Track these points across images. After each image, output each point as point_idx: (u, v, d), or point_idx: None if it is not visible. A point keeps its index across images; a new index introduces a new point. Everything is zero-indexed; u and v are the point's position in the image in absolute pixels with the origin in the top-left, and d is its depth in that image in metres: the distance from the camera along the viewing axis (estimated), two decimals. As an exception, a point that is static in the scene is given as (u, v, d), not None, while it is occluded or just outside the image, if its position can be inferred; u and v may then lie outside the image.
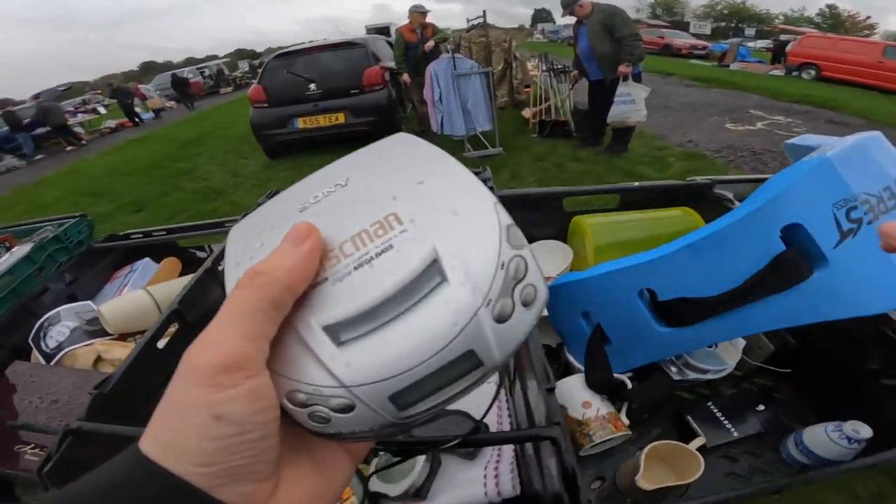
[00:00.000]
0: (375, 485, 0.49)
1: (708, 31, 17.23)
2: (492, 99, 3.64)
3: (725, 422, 0.55)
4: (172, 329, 0.69)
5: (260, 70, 4.55)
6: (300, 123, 4.32)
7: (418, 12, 3.95)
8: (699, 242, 0.36)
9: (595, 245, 0.85)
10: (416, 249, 0.17)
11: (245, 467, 0.15)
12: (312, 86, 4.21)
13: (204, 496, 0.15)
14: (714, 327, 0.34)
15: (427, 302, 0.17)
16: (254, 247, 0.19)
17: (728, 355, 0.57)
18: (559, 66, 4.11)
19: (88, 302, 0.98)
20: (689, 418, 0.56)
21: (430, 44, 3.80)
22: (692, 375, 0.56)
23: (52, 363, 0.84)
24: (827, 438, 0.51)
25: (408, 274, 0.17)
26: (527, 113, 4.78)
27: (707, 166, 3.88)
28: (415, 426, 0.18)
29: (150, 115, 10.80)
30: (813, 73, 9.32)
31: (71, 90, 14.71)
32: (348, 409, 0.16)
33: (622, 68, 3.18)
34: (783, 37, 12.91)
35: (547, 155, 4.09)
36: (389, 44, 4.93)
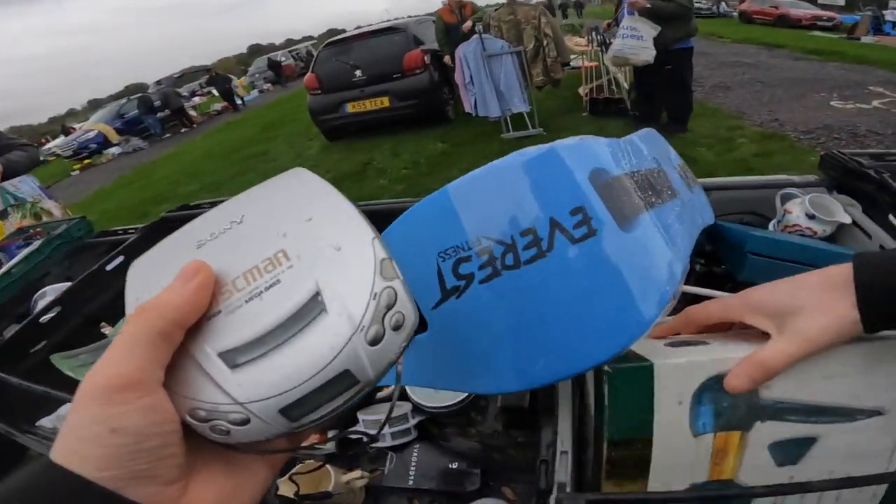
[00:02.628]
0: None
1: (841, 1, 13.98)
2: (527, 79, 3.48)
3: (412, 468, 0.55)
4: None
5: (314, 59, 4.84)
6: (350, 108, 4.56)
7: None
8: None
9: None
10: (300, 284, 0.20)
11: (146, 471, 0.18)
12: (358, 72, 4.39)
13: (111, 494, 0.17)
14: None
15: (309, 330, 0.20)
16: (152, 283, 0.21)
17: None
18: (612, 41, 3.77)
19: (67, 283, 1.24)
20: (391, 453, 0.58)
21: (468, 24, 3.71)
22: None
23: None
24: None
25: (292, 306, 0.20)
26: (582, 90, 4.49)
27: (786, 149, 3.34)
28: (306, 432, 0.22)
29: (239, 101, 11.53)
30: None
31: (184, 77, 16.83)
32: (244, 422, 0.19)
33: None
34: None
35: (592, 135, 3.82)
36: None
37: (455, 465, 0.53)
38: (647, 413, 0.32)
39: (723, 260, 0.62)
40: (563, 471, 0.35)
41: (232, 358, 0.19)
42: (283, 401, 0.19)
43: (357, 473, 0.54)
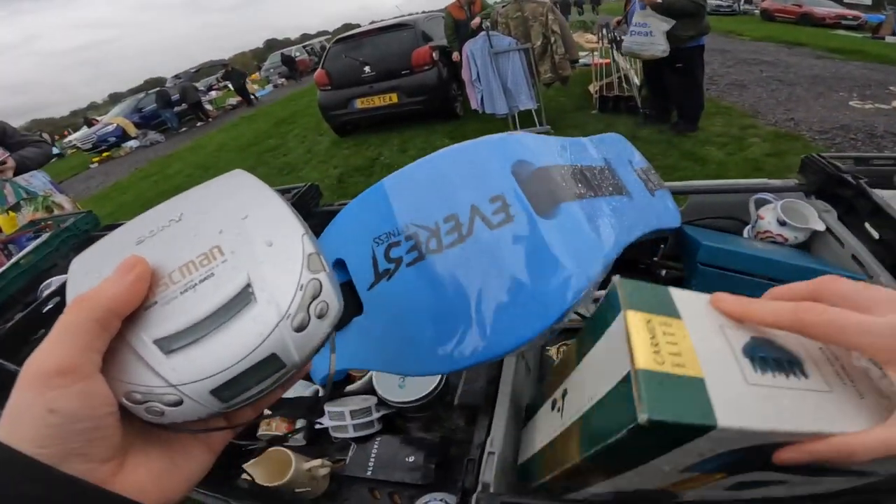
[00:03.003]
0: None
1: (868, 0, 13.42)
2: (534, 76, 3.45)
3: (371, 459, 0.57)
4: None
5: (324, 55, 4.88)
6: (359, 104, 4.60)
7: None
8: None
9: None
10: (233, 277, 0.22)
11: (81, 449, 0.19)
12: (367, 68, 4.43)
13: (48, 467, 0.18)
14: None
15: (238, 318, 0.21)
16: (93, 277, 0.23)
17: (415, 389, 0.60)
18: (622, 38, 3.72)
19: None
20: (354, 444, 0.59)
21: (477, 20, 3.69)
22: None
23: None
24: None
25: (224, 296, 0.22)
26: (592, 88, 4.44)
27: (799, 150, 3.26)
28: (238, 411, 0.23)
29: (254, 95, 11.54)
30: None
31: (200, 71, 17.17)
32: (177, 403, 0.21)
33: None
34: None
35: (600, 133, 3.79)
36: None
37: (412, 459, 0.55)
38: (648, 457, 0.25)
39: (684, 266, 0.63)
40: (489, 471, 0.36)
41: (166, 344, 0.21)
42: (214, 382, 0.21)
43: (318, 462, 0.56)
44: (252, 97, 11.43)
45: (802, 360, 0.25)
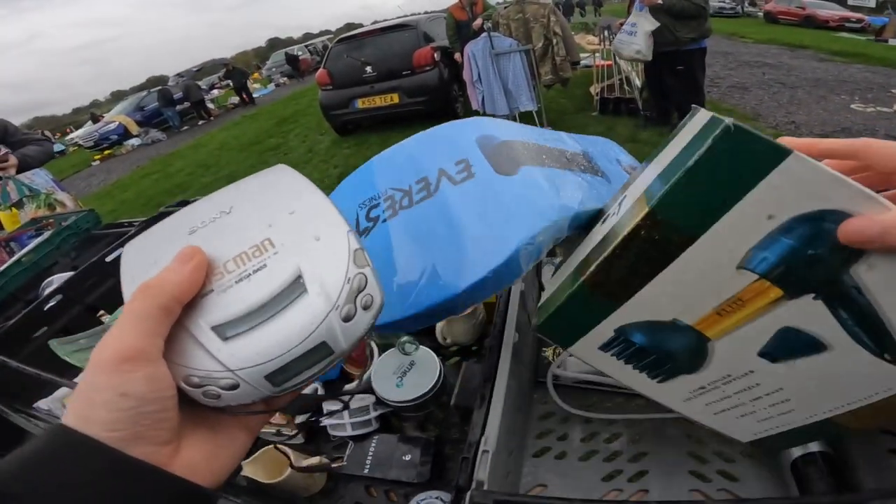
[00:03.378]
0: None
1: (871, 3, 13.40)
2: (535, 78, 3.46)
3: (368, 458, 0.58)
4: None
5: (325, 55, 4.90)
6: (360, 104, 4.62)
7: None
8: None
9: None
10: (284, 268, 0.23)
11: (146, 432, 0.20)
12: (369, 68, 4.44)
13: (116, 451, 0.19)
14: None
15: (291, 307, 0.22)
16: (148, 263, 0.24)
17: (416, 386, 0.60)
18: (622, 38, 3.72)
19: (71, 273, 1.30)
20: (351, 442, 0.60)
21: (479, 22, 3.69)
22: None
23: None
24: None
25: (277, 287, 0.22)
26: (593, 90, 4.45)
27: (799, 152, 3.26)
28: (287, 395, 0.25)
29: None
30: None
31: (203, 70, 17.30)
32: (234, 387, 0.22)
33: None
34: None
35: (601, 136, 3.79)
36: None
37: (408, 458, 0.55)
38: (720, 205, 0.25)
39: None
40: (483, 469, 0.37)
41: (224, 331, 0.22)
42: (268, 368, 0.22)
43: (316, 459, 0.57)
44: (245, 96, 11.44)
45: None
